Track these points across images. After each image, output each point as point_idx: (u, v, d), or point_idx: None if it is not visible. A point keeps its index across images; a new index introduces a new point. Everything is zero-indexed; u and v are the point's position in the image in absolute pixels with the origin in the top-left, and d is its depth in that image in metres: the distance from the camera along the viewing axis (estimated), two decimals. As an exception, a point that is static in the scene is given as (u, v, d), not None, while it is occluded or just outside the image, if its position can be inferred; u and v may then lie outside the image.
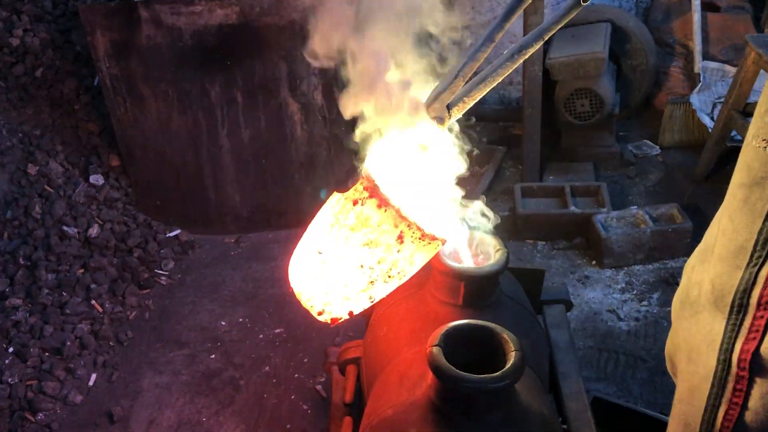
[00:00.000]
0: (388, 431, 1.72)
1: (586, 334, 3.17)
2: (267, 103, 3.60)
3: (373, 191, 1.76)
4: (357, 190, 1.79)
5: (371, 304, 1.80)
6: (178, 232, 3.95)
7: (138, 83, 3.57)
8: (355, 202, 1.79)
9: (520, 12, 1.82)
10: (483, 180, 4.12)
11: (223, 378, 3.05)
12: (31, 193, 3.75)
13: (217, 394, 2.97)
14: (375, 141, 1.85)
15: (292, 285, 1.85)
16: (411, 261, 1.80)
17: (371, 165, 1.82)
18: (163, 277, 3.68)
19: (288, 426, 2.80)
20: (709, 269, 1.40)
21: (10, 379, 2.94)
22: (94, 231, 3.71)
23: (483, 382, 1.56)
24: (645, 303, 3.32)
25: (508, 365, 1.60)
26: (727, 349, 1.28)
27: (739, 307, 1.26)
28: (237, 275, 3.69)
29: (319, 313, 1.81)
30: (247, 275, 3.69)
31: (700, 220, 3.73)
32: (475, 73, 1.90)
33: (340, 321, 1.80)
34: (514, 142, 4.57)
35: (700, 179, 4.06)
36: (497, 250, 1.99)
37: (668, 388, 2.86)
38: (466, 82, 1.82)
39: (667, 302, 3.31)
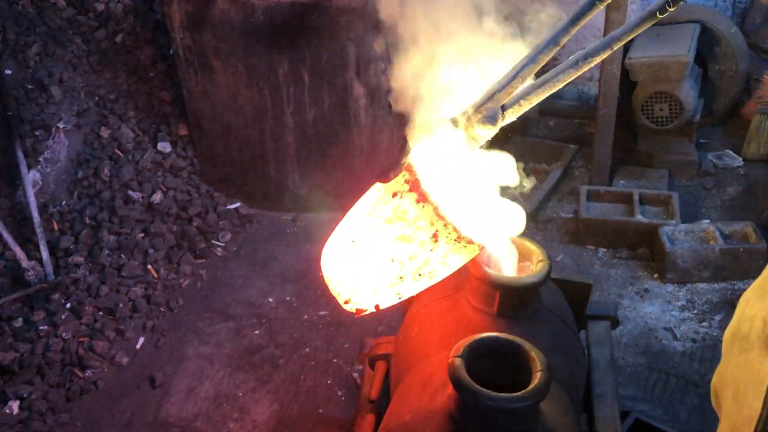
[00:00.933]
0: (403, 437, 1.68)
1: (637, 350, 3.04)
2: (333, 84, 3.58)
3: (414, 185, 1.71)
4: (398, 182, 1.75)
5: (399, 300, 1.78)
6: (238, 205, 4.00)
7: (209, 56, 3.62)
8: (394, 194, 1.75)
9: (589, 18, 1.72)
10: (549, 178, 3.99)
11: (263, 355, 3.09)
12: (102, 156, 3.87)
13: (256, 371, 3.01)
14: (425, 134, 1.78)
15: (322, 269, 1.84)
16: (444, 262, 1.76)
17: (416, 158, 1.77)
18: (218, 249, 3.75)
19: (321, 410, 2.81)
20: (764, 306, 1.31)
21: (64, 334, 3.06)
22: (157, 197, 3.81)
23: (502, 401, 1.50)
24: (705, 324, 3.15)
25: (532, 386, 1.54)
26: None
27: None
28: (290, 253, 3.72)
29: (346, 302, 1.80)
30: (299, 254, 3.70)
31: (779, 241, 3.51)
32: (536, 76, 1.83)
33: (365, 313, 1.79)
34: (588, 140, 4.40)
35: (783, 197, 3.81)
36: (539, 261, 1.91)
37: (718, 418, 2.70)
38: (525, 85, 1.76)
39: (729, 326, 3.12)
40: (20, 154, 3.53)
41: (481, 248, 1.79)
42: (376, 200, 1.80)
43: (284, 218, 4.00)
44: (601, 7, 1.74)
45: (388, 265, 1.74)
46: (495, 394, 1.51)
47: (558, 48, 1.71)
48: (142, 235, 3.65)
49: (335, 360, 3.04)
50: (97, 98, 3.99)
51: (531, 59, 1.68)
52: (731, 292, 3.30)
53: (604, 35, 3.47)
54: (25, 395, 2.80)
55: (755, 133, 4.15)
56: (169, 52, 4.10)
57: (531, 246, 1.97)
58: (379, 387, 2.10)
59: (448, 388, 1.63)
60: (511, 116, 1.76)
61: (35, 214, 3.41)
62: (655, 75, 3.68)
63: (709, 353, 3.00)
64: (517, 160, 4.45)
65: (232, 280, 3.54)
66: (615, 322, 2.28)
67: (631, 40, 4.01)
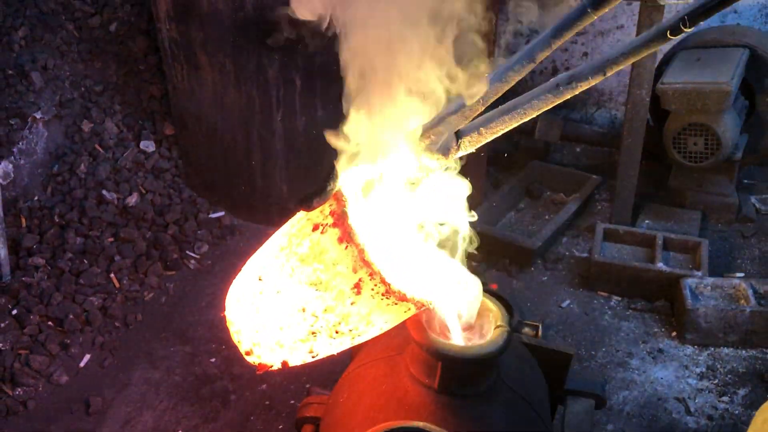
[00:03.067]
0: None
1: (641, 423, 2.60)
2: (326, 90, 3.23)
3: (339, 219, 1.40)
4: (322, 213, 1.44)
5: (313, 359, 1.44)
6: (221, 214, 3.69)
7: (196, 50, 3.32)
8: (315, 227, 1.44)
9: (578, 29, 1.35)
10: (563, 211, 3.57)
11: (215, 387, 2.75)
12: (81, 151, 3.61)
13: (204, 405, 2.67)
14: (360, 159, 1.44)
15: (226, 308, 1.51)
16: (368, 320, 1.42)
17: (347, 186, 1.44)
18: (192, 261, 3.44)
19: (281, 426, 2.46)
20: None
21: (1, 345, 2.79)
22: (133, 199, 3.52)
23: None
24: (726, 398, 2.69)
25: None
26: None
27: None
28: (268, 272, 3.38)
29: (247, 353, 1.47)
30: (278, 274, 3.37)
31: (822, 306, 3.02)
32: (503, 99, 1.46)
33: (270, 368, 1.46)
34: (616, 172, 3.96)
35: (832, 254, 3.31)
36: (497, 327, 1.52)
37: None
38: (488, 108, 1.43)
39: (755, 403, 2.66)
40: (-9, 143, 3.29)
41: (419, 308, 1.43)
42: (295, 232, 1.49)
43: (269, 232, 3.64)
44: (595, 17, 1.36)
45: (298, 315, 1.42)
46: None
47: (534, 65, 1.38)
48: (111, 239, 3.37)
49: (292, 402, 2.69)
50: (82, 89, 3.73)
51: (498, 76, 1.37)
52: (761, 363, 2.83)
53: (633, 68, 3.07)
54: (-56, 412, 2.53)
55: (807, 177, 3.66)
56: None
57: (490, 305, 1.58)
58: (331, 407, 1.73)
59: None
60: (468, 147, 1.45)
61: (-1, 209, 3.16)
62: (691, 104, 3.22)
63: (727, 435, 2.55)
64: (534, 187, 4.00)
65: (199, 298, 3.23)
66: (600, 402, 1.87)
67: (667, 62, 3.58)
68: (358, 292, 1.38)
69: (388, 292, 1.37)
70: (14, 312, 2.94)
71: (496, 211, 3.65)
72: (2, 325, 2.86)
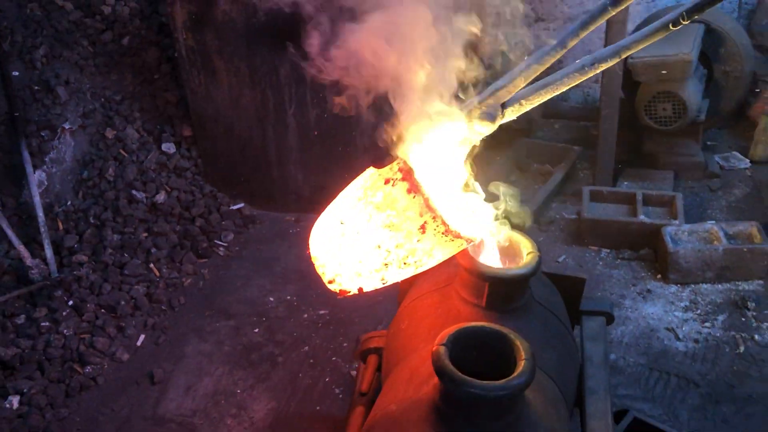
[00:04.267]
0: (389, 427, 1.67)
1: (638, 351, 3.00)
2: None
3: (407, 174, 1.72)
4: (392, 170, 1.76)
5: (383, 285, 1.79)
6: (241, 206, 4.02)
7: (212, 56, 3.64)
8: (386, 181, 1.75)
9: (600, 22, 1.71)
10: (552, 180, 3.97)
11: (262, 353, 3.09)
12: (107, 156, 3.91)
13: (255, 369, 3.01)
14: (423, 126, 1.79)
15: (310, 247, 1.86)
16: (430, 253, 1.76)
17: (413, 148, 1.78)
18: (221, 248, 3.76)
19: (318, 408, 2.81)
20: None
21: (65, 331, 3.08)
22: (161, 197, 3.83)
23: (485, 389, 1.49)
24: (708, 324, 3.11)
25: (515, 374, 1.53)
26: None
27: None
28: (292, 253, 3.72)
29: (330, 282, 1.81)
30: (301, 254, 3.68)
31: (784, 242, 3.46)
32: (539, 78, 1.81)
33: (349, 294, 1.81)
34: (593, 143, 4.38)
35: (789, 198, 3.76)
36: (529, 253, 1.90)
37: (719, 418, 2.67)
38: (527, 85, 1.78)
39: (732, 326, 3.09)
40: (26, 154, 3.57)
41: (469, 242, 1.79)
42: (369, 185, 1.80)
43: (287, 219, 4.01)
44: (613, 13, 1.72)
45: (375, 251, 1.76)
46: (477, 381, 1.49)
47: (564, 51, 1.73)
48: (145, 234, 3.68)
49: (334, 358, 3.04)
50: (102, 99, 4.03)
51: (536, 59, 1.72)
52: (735, 293, 3.26)
53: (606, 35, 3.49)
54: (25, 390, 2.82)
55: (762, 135, 4.11)
56: (174, 54, 4.14)
57: (521, 238, 1.95)
58: (369, 380, 2.09)
59: (434, 379, 1.62)
60: (510, 115, 1.80)
61: (40, 214, 3.44)
62: (658, 75, 3.66)
63: (712, 354, 2.96)
64: (522, 162, 4.44)
65: (233, 280, 3.55)
66: (610, 318, 2.26)
67: (634, 40, 4.00)
68: (423, 232, 1.72)
69: (447, 232, 1.72)
70: (70, 303, 3.24)
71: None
72: (64, 314, 3.15)
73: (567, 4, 4.82)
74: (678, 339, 3.05)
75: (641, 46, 1.60)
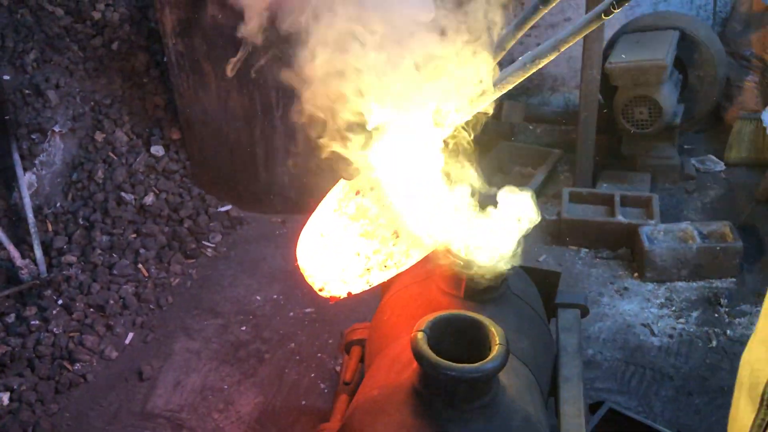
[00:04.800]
0: (370, 411, 1.75)
1: (615, 346, 3.10)
2: (320, 88, 3.67)
3: (374, 184, 1.82)
4: (360, 180, 1.86)
5: (370, 287, 1.89)
6: (228, 207, 4.09)
7: (201, 61, 3.72)
8: (357, 192, 1.87)
9: (534, 21, 1.80)
10: (532, 182, 4.07)
11: (249, 350, 3.15)
12: (96, 159, 3.97)
13: (242, 365, 3.07)
14: (384, 133, 1.83)
15: (298, 259, 1.95)
16: (407, 254, 1.87)
17: (376, 156, 1.83)
18: (209, 249, 3.83)
19: (303, 402, 2.88)
20: (753, 350, 1.27)
21: (55, 329, 3.14)
22: (149, 199, 3.89)
23: (460, 371, 1.57)
24: (682, 320, 3.21)
25: (489, 358, 1.61)
26: None
27: None
28: (278, 254, 3.79)
29: (320, 290, 1.91)
30: (287, 255, 3.78)
31: (755, 242, 3.57)
32: None
33: (339, 299, 1.90)
34: (573, 146, 4.48)
35: (761, 199, 3.87)
36: (505, 247, 1.99)
37: (692, 409, 2.77)
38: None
39: (706, 322, 3.19)
40: (16, 157, 3.63)
41: (442, 243, 1.86)
42: (342, 197, 1.92)
43: (273, 220, 4.08)
44: (546, 11, 1.81)
45: (355, 258, 1.87)
46: (454, 364, 1.58)
47: (504, 53, 1.81)
48: (134, 235, 3.74)
49: (319, 354, 3.11)
50: (92, 103, 4.09)
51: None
52: (709, 290, 3.36)
53: (584, 42, 3.59)
54: (15, 387, 2.88)
55: (736, 138, 4.23)
56: (162, 59, 4.21)
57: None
58: (353, 370, 2.17)
59: (414, 364, 1.70)
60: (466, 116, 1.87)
61: (30, 215, 3.49)
62: (634, 79, 3.77)
63: (685, 348, 3.05)
64: (504, 165, 4.53)
65: (221, 279, 3.62)
66: (585, 311, 2.35)
67: (611, 46, 4.12)
68: (397, 236, 1.83)
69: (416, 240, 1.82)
70: (60, 302, 3.30)
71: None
72: (53, 312, 3.21)
73: (549, 12, 4.94)
74: (653, 334, 3.15)
75: (578, 38, 1.65)
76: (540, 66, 1.74)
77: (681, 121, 4.04)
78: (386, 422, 1.68)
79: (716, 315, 3.22)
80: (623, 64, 3.76)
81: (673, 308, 3.29)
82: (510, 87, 1.80)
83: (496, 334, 1.67)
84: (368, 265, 1.86)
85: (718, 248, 3.35)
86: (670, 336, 3.13)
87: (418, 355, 1.61)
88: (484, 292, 1.97)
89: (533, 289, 2.23)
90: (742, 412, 1.22)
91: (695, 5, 4.63)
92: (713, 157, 4.35)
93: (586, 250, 3.70)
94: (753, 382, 1.18)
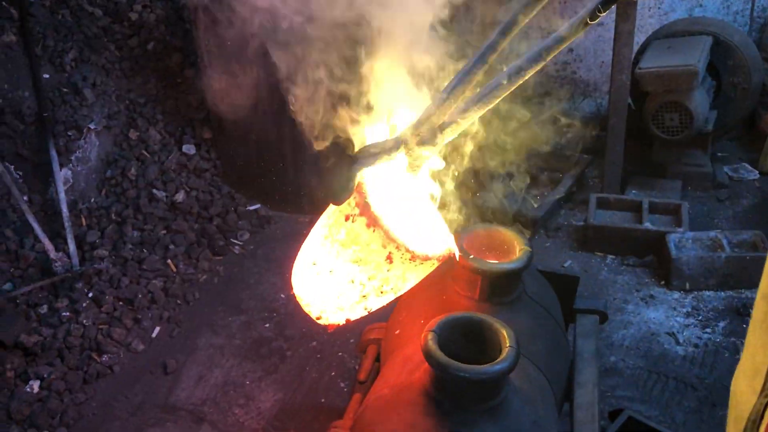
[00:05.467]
0: (381, 410, 1.77)
1: (638, 354, 3.06)
2: (349, 89, 3.71)
3: (364, 209, 1.70)
4: (350, 205, 1.74)
5: (368, 313, 1.82)
6: (257, 206, 4.15)
7: (232, 61, 3.78)
8: (346, 218, 1.74)
9: (515, 32, 1.64)
10: (560, 186, 4.05)
11: (272, 347, 3.20)
12: (130, 156, 4.06)
13: (264, 361, 3.12)
14: (370, 156, 1.73)
15: (293, 288, 1.88)
16: (404, 278, 1.79)
17: (365, 180, 1.74)
18: (236, 247, 3.89)
19: (323, 400, 2.91)
20: (738, 382, 1.23)
21: (85, 321, 3.22)
22: (180, 196, 3.97)
23: (470, 372, 1.59)
24: (708, 330, 3.16)
25: (499, 359, 1.62)
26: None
27: None
28: (304, 253, 3.83)
29: (317, 318, 1.84)
30: (313, 254, 3.81)
31: (788, 252, 3.50)
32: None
33: (338, 326, 1.84)
34: (604, 152, 4.44)
35: (796, 209, 3.79)
36: (521, 249, 1.99)
37: (715, 421, 2.72)
38: (459, 103, 1.71)
39: (733, 333, 3.14)
40: (53, 153, 3.73)
41: (441, 260, 1.80)
42: (332, 222, 1.81)
43: (301, 220, 4.13)
44: (527, 20, 1.64)
45: (349, 285, 1.77)
46: (463, 365, 1.59)
47: (486, 66, 1.66)
48: (164, 231, 3.82)
49: (340, 354, 3.14)
50: (127, 102, 4.19)
51: (460, 80, 1.66)
52: (737, 300, 3.30)
53: (614, 45, 3.56)
54: (45, 375, 2.96)
55: (772, 146, 4.15)
56: (196, 59, 4.29)
57: (513, 235, 2.05)
58: (368, 369, 2.19)
59: (425, 365, 1.71)
60: (450, 134, 1.74)
61: (65, 210, 3.59)
62: (665, 85, 3.72)
63: (711, 358, 3.01)
64: (532, 169, 4.49)
65: (247, 277, 3.67)
66: (604, 317, 2.34)
67: (642, 51, 4.08)
68: (391, 262, 1.72)
69: (414, 258, 1.72)
70: (90, 295, 3.38)
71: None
72: (84, 305, 3.29)
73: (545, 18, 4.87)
74: (678, 343, 3.11)
75: (565, 45, 1.52)
76: (525, 78, 1.59)
77: (713, 128, 3.98)
78: (396, 421, 1.70)
79: (744, 325, 3.16)
80: (654, 70, 3.71)
81: (700, 317, 3.24)
82: (497, 101, 1.65)
83: (507, 336, 1.68)
84: (364, 291, 1.77)
85: (747, 258, 3.30)
86: (696, 345, 3.09)
87: (427, 355, 1.63)
88: (500, 294, 1.98)
89: (551, 293, 2.22)
90: (743, 395, 1.19)
91: (732, 11, 4.55)
92: (747, 166, 4.27)
93: (613, 257, 3.67)
94: (737, 415, 1.15)
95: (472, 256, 1.95)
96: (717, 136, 4.26)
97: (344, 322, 1.81)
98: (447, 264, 2.09)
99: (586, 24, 1.44)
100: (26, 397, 2.86)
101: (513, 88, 1.61)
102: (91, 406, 2.92)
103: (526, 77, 1.58)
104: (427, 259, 1.74)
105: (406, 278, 1.78)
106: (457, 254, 1.85)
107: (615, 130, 3.77)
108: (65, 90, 3.96)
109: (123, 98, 4.19)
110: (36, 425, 2.77)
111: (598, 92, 4.89)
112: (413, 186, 1.82)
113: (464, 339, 1.77)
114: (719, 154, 4.41)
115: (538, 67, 1.55)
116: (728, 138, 4.51)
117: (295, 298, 1.89)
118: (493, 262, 1.96)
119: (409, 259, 1.71)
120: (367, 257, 1.72)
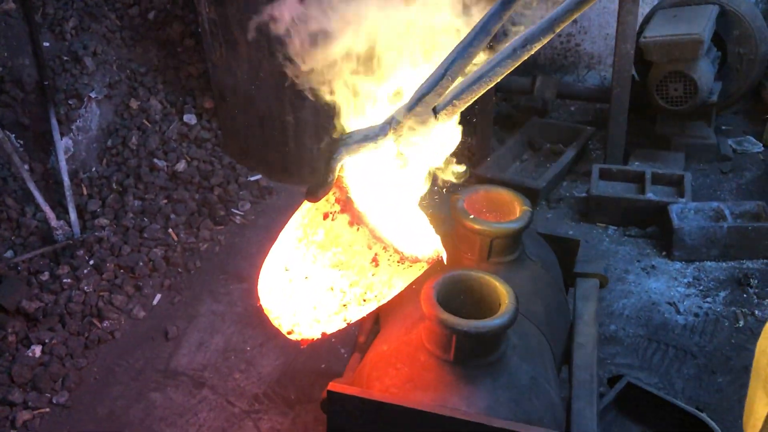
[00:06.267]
0: (379, 365, 1.77)
1: (638, 323, 3.06)
2: (351, 58, 3.68)
3: (346, 205, 1.51)
4: (329, 201, 1.54)
5: (347, 324, 1.64)
6: (258, 177, 4.14)
7: (233, 28, 3.75)
8: (325, 216, 1.54)
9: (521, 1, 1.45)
10: (563, 158, 4.02)
11: (273, 314, 3.20)
12: (131, 126, 4.05)
13: (265, 328, 3.12)
14: (353, 145, 1.54)
15: (260, 299, 1.68)
16: (390, 284, 1.59)
17: (347, 173, 1.55)
18: (237, 217, 3.88)
19: (323, 365, 2.92)
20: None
21: (86, 288, 3.23)
22: (181, 166, 3.96)
23: (467, 326, 1.58)
24: (709, 299, 3.16)
25: (497, 314, 1.62)
26: None
27: None
28: (305, 223, 3.82)
29: (289, 333, 1.66)
30: (314, 224, 3.81)
31: (791, 223, 3.49)
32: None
33: (312, 341, 1.66)
34: (607, 124, 4.42)
35: (800, 181, 3.77)
36: (521, 209, 1.99)
37: (714, 387, 2.73)
38: (456, 82, 1.51)
39: (733, 302, 3.13)
40: (54, 122, 3.71)
41: (431, 263, 1.62)
42: (308, 222, 1.61)
43: (302, 190, 4.10)
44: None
45: (328, 293, 1.57)
46: (460, 319, 1.59)
47: (489, 37, 1.46)
48: (165, 201, 3.81)
49: (340, 321, 3.14)
50: (128, 71, 4.17)
51: (459, 53, 1.45)
52: (738, 270, 3.30)
53: (618, 14, 3.52)
54: (47, 341, 2.97)
55: (777, 119, 4.13)
56: (197, 29, 4.26)
57: (513, 195, 2.04)
58: (367, 331, 2.19)
59: (423, 321, 1.71)
60: (445, 118, 1.53)
61: (66, 179, 3.59)
62: (670, 54, 3.69)
63: (711, 327, 3.01)
64: (535, 141, 4.48)
65: (248, 246, 3.67)
66: (604, 281, 2.33)
67: (647, 21, 4.03)
68: (377, 265, 1.52)
69: (403, 259, 1.52)
70: (91, 262, 3.38)
71: (503, 162, 4.10)
72: (85, 272, 3.29)
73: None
74: (678, 312, 3.10)
75: (574, 16, 1.35)
76: (531, 52, 1.40)
77: (718, 100, 3.94)
78: (393, 375, 1.70)
79: (745, 295, 3.16)
80: (658, 39, 3.68)
81: (701, 287, 3.24)
82: (499, 78, 1.46)
83: (506, 293, 1.67)
84: (344, 300, 1.56)
85: (749, 228, 3.28)
86: (696, 315, 3.09)
87: (426, 311, 1.63)
88: (500, 254, 1.98)
89: (552, 256, 2.22)
90: (758, 405, 1.16)
91: (739, -19, 4.50)
92: (752, 138, 4.24)
93: (615, 227, 3.66)
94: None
95: (472, 216, 1.94)
96: (721, 108, 4.23)
97: (320, 336, 1.63)
98: (448, 224, 2.09)
99: None
100: (28, 362, 2.87)
101: (518, 64, 1.41)
102: (93, 371, 2.94)
103: (533, 51, 1.39)
104: (416, 261, 1.55)
105: (393, 284, 1.58)
106: (445, 258, 1.65)
107: (618, 99, 3.75)
108: (66, 58, 3.94)
109: (124, 67, 4.17)
110: (38, 388, 2.78)
111: (602, 65, 4.85)
112: (402, 177, 1.62)
113: (463, 297, 1.77)
114: (724, 127, 4.38)
115: (546, 40, 1.37)
116: (733, 111, 4.47)
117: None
118: (493, 222, 1.95)
119: (398, 261, 1.52)
120: (349, 260, 1.52)
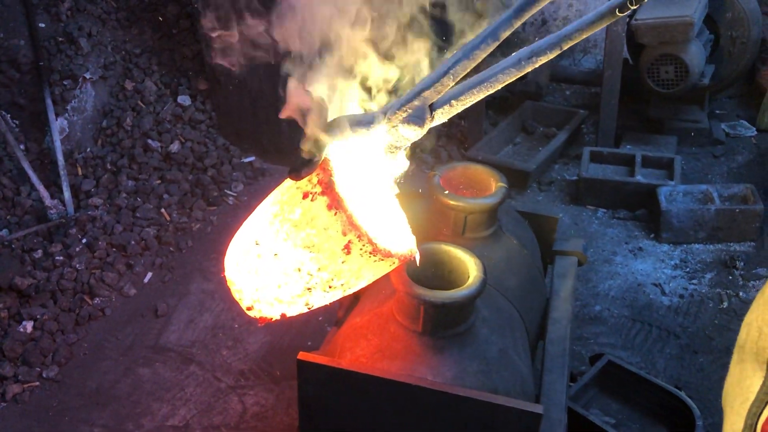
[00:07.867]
0: (352, 336, 1.81)
1: (623, 303, 3.09)
2: (342, 40, 3.69)
3: (327, 188, 1.49)
4: (310, 182, 1.52)
5: (309, 310, 1.62)
6: (252, 159, 4.17)
7: (227, 8, 3.77)
8: (305, 195, 1.52)
9: (538, 8, 1.43)
10: (554, 141, 4.03)
11: (262, 293, 3.23)
12: (125, 107, 4.08)
13: (253, 306, 3.16)
14: (343, 130, 1.52)
15: (225, 271, 1.64)
16: (358, 274, 1.57)
17: (333, 155, 1.54)
18: (230, 198, 3.91)
19: (309, 343, 2.95)
20: (760, 311, 1.16)
21: (78, 265, 3.27)
22: (174, 147, 3.99)
23: (434, 296, 1.61)
24: (695, 281, 3.17)
25: (465, 285, 1.64)
26: (755, 413, 1.07)
27: None
28: (297, 204, 3.85)
29: (248, 309, 1.63)
30: (306, 205, 3.84)
31: (779, 206, 3.50)
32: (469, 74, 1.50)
33: (271, 320, 1.64)
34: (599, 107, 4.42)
35: (791, 165, 3.77)
36: (497, 185, 2.01)
37: (696, 367, 2.75)
38: (457, 83, 1.51)
39: (719, 284, 3.15)
40: (49, 102, 3.75)
41: (403, 261, 1.61)
42: (286, 199, 1.58)
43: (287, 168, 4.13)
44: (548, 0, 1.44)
45: (295, 274, 1.54)
46: (428, 290, 1.61)
47: (497, 43, 1.44)
48: (158, 181, 3.84)
49: (328, 299, 3.17)
50: (123, 52, 4.19)
51: (465, 54, 1.45)
52: (726, 253, 3.31)
53: None
54: (38, 317, 3.01)
55: (770, 103, 4.12)
56: (191, 10, 4.28)
57: (489, 172, 2.06)
58: (346, 307, 2.22)
59: (395, 294, 1.74)
60: (441, 117, 1.53)
61: (60, 159, 3.63)
62: (661, 37, 3.68)
63: (695, 308, 3.03)
64: (528, 124, 4.49)
65: (240, 227, 3.70)
66: (583, 259, 2.35)
67: (640, 3, 4.02)
68: (348, 252, 1.49)
69: (375, 251, 1.50)
70: (84, 240, 3.42)
71: (495, 144, 4.11)
72: (77, 249, 3.34)
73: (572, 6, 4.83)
74: (664, 294, 3.12)
75: (585, 35, 1.37)
76: (536, 65, 1.42)
77: (711, 83, 3.94)
78: (364, 346, 1.73)
79: (730, 277, 3.17)
80: (649, 21, 3.67)
81: (687, 269, 3.25)
82: (500, 86, 1.46)
83: (474, 264, 1.70)
84: (310, 283, 1.54)
85: (737, 210, 3.29)
86: (681, 296, 3.10)
87: (394, 282, 1.66)
88: (475, 229, 2.00)
89: (529, 233, 2.24)
90: (749, 379, 1.12)
91: (734, -36, 4.48)
92: (745, 123, 4.24)
93: (604, 210, 3.67)
94: (761, 345, 1.08)
95: (446, 192, 1.97)
96: (714, 91, 4.22)
97: (278, 317, 1.61)
98: (424, 201, 2.12)
99: (615, 14, 1.29)
100: (19, 337, 2.91)
101: (520, 75, 1.41)
102: (83, 347, 2.98)
103: (537, 64, 1.39)
104: (389, 255, 1.53)
105: (361, 275, 1.55)
106: (418, 258, 1.64)
107: (610, 81, 3.75)
108: (61, 39, 3.96)
109: (119, 49, 4.20)
110: (28, 363, 2.83)
111: (597, 48, 4.85)
112: (388, 170, 1.61)
113: (434, 270, 1.80)
114: (717, 111, 4.38)
115: (552, 55, 1.37)
116: (727, 95, 4.47)
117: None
118: (467, 198, 1.97)
119: (370, 252, 1.50)
120: (321, 243, 1.49)
